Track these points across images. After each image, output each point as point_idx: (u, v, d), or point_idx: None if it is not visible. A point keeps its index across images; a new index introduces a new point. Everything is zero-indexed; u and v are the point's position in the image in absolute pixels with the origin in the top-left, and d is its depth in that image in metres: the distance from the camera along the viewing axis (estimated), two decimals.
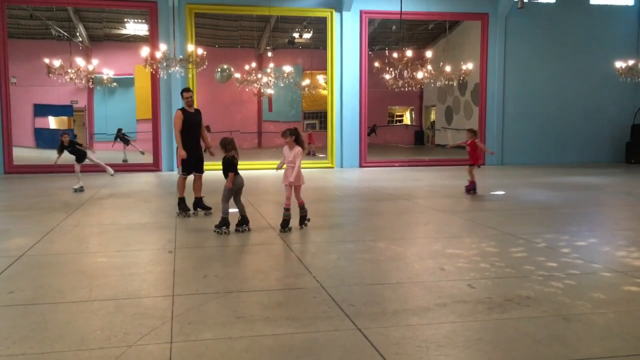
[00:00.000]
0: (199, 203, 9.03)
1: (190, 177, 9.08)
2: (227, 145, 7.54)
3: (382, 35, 24.18)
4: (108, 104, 26.64)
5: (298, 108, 29.48)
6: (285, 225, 7.57)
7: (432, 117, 29.89)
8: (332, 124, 17.98)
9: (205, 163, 9.32)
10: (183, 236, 7.42)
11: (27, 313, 4.42)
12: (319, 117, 29.32)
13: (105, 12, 22.25)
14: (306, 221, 7.90)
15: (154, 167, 17.08)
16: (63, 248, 6.77)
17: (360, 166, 18.00)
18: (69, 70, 16.91)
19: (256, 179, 14.68)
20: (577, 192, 11.95)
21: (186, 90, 9.17)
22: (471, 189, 11.35)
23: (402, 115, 31.54)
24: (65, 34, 22.95)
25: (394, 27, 21.05)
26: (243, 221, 7.65)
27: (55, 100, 25.68)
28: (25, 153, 20.76)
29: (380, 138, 27.45)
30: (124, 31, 24.69)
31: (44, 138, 25.59)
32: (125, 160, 19.17)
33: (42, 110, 25.87)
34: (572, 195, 11.40)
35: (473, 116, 22.96)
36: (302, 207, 7.83)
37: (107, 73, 22.52)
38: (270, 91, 24.54)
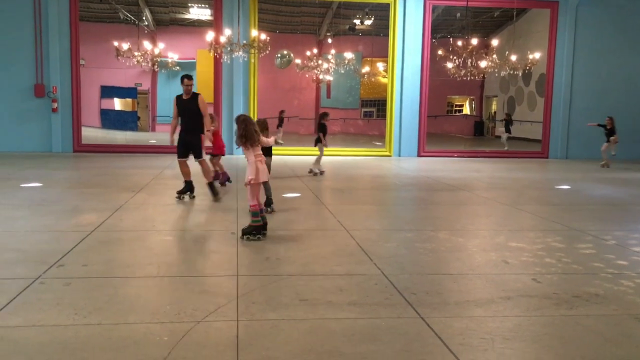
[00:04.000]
0: (188, 187, 9.07)
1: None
2: (259, 126, 7.72)
3: (445, 23, 23.69)
4: (169, 87, 27.26)
5: (356, 95, 29.33)
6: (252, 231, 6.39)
7: (493, 107, 29.16)
8: (391, 112, 17.85)
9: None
10: (245, 218, 7.52)
11: (101, 285, 4.62)
12: (376, 105, 29.08)
13: None
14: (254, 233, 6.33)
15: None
16: (131, 225, 7.02)
17: (418, 155, 17.82)
18: (136, 54, 17.43)
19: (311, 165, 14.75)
20: None
21: (187, 77, 9.16)
22: (224, 180, 10.58)
23: (461, 105, 30.90)
24: (132, 17, 23.57)
25: (458, 15, 20.60)
26: (268, 202, 7.91)
27: (121, 83, 26.45)
28: (92, 133, 21.52)
29: (438, 128, 27.01)
30: (187, 16, 25.14)
31: (109, 119, 26.48)
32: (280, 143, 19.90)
33: (108, 91, 26.68)
34: None
35: (537, 108, 22.28)
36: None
37: (172, 57, 23.01)
38: (329, 78, 24.53)
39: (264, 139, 6.86)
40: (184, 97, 9.07)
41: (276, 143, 7.70)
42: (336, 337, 3.71)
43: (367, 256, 5.70)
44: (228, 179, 10.71)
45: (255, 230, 6.32)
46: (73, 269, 5.03)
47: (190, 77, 9.20)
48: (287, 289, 4.64)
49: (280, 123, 21.39)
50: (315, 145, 12.63)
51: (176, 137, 9.21)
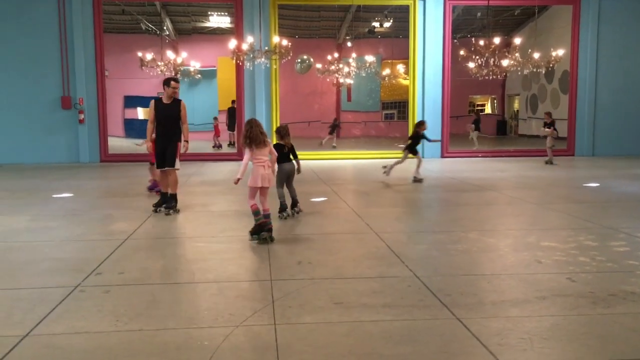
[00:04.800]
0: (164, 198, 8.48)
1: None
2: (281, 132, 8.03)
3: (465, 22, 23.60)
4: (191, 96, 27.56)
5: (377, 98, 29.35)
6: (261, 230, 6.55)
7: (516, 106, 28.92)
8: (413, 114, 17.80)
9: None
10: (273, 224, 7.57)
11: (138, 292, 4.71)
12: (397, 107, 29.04)
13: (192, 6, 22.95)
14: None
15: (238, 156, 17.52)
16: (163, 232, 7.13)
17: (442, 156, 17.73)
18: (159, 63, 17.69)
19: (334, 168, 14.85)
20: None
21: (175, 80, 8.58)
22: (152, 187, 10.26)
23: (483, 105, 30.72)
24: (154, 28, 23.90)
25: (479, 14, 20.51)
26: (294, 203, 8.09)
27: (144, 92, 26.78)
28: (116, 142, 21.83)
29: (460, 128, 26.89)
30: (207, 24, 25.41)
31: (133, 128, 26.85)
32: (334, 146, 20.63)
33: (131, 101, 27.11)
34: None
35: (561, 105, 22.05)
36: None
37: (194, 65, 23.29)
38: (350, 81, 24.62)
39: (274, 151, 6.92)
40: (165, 101, 8.45)
41: (298, 165, 7.87)
42: (374, 339, 3.74)
43: (398, 258, 5.71)
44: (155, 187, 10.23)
45: (260, 228, 6.45)
46: (111, 277, 5.13)
47: (177, 80, 8.71)
48: (321, 292, 4.67)
49: (333, 130, 21.85)
50: (410, 152, 11.95)
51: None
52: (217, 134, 22.07)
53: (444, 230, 7.22)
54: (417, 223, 8.00)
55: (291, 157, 8.10)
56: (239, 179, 6.52)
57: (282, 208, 7.95)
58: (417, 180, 11.77)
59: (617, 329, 3.90)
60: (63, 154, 16.59)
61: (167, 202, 8.41)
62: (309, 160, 16.22)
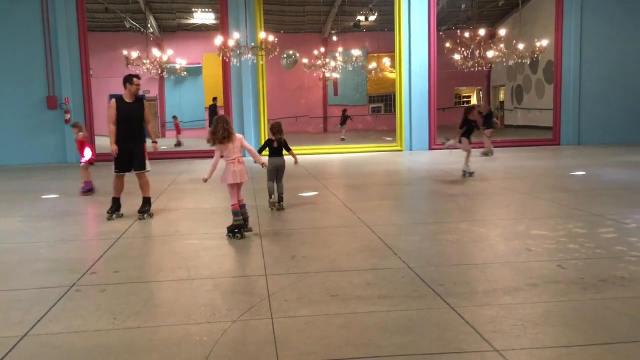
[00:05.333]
0: (117, 204, 8.03)
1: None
2: (273, 129, 8.35)
3: (450, 15, 23.71)
4: (178, 93, 27.44)
5: (363, 91, 29.44)
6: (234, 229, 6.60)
7: (501, 97, 29.13)
8: (400, 107, 17.87)
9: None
10: (265, 219, 7.64)
11: (135, 290, 4.73)
12: (384, 100, 29.15)
13: (175, 2, 22.86)
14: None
15: None
16: (156, 231, 7.15)
17: (430, 149, 17.82)
18: (145, 61, 17.61)
19: (323, 163, 14.90)
20: None
21: (137, 76, 7.93)
22: (87, 189, 10.27)
23: (469, 96, 30.90)
24: (138, 25, 23.76)
25: (463, 6, 20.61)
26: (279, 199, 8.26)
27: None
28: (103, 142, 21.67)
29: (447, 119, 27.05)
30: (191, 21, 25.31)
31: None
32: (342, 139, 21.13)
33: None
34: None
35: (546, 95, 22.25)
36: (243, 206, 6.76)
37: (180, 62, 23.19)
38: (336, 75, 24.65)
39: (247, 145, 6.91)
40: (128, 100, 7.84)
41: (262, 165, 7.59)
42: (370, 330, 3.79)
43: (391, 250, 5.77)
44: (91, 189, 10.29)
45: (237, 229, 6.52)
46: (105, 276, 5.14)
47: (139, 77, 8.01)
48: (317, 285, 4.72)
49: (344, 121, 21.96)
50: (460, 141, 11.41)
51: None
52: (178, 131, 22.31)
53: (435, 221, 7.30)
54: (408, 215, 8.07)
55: (284, 152, 8.32)
56: (206, 179, 6.58)
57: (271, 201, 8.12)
58: (467, 173, 11.16)
59: (608, 313, 3.98)
60: (50, 154, 16.49)
61: (141, 206, 7.99)
62: (298, 155, 16.26)
